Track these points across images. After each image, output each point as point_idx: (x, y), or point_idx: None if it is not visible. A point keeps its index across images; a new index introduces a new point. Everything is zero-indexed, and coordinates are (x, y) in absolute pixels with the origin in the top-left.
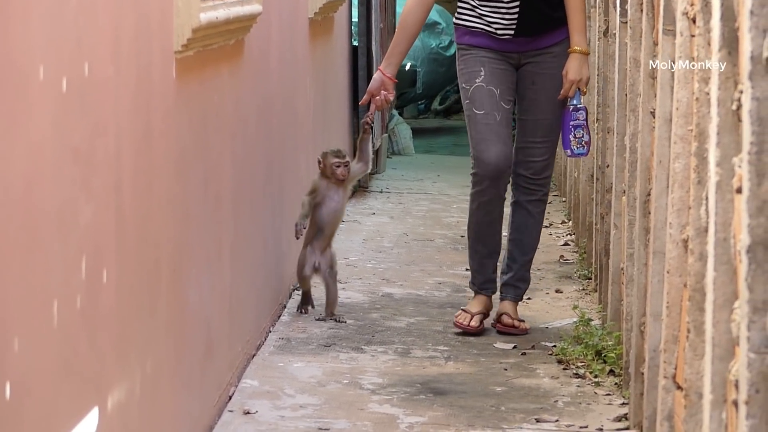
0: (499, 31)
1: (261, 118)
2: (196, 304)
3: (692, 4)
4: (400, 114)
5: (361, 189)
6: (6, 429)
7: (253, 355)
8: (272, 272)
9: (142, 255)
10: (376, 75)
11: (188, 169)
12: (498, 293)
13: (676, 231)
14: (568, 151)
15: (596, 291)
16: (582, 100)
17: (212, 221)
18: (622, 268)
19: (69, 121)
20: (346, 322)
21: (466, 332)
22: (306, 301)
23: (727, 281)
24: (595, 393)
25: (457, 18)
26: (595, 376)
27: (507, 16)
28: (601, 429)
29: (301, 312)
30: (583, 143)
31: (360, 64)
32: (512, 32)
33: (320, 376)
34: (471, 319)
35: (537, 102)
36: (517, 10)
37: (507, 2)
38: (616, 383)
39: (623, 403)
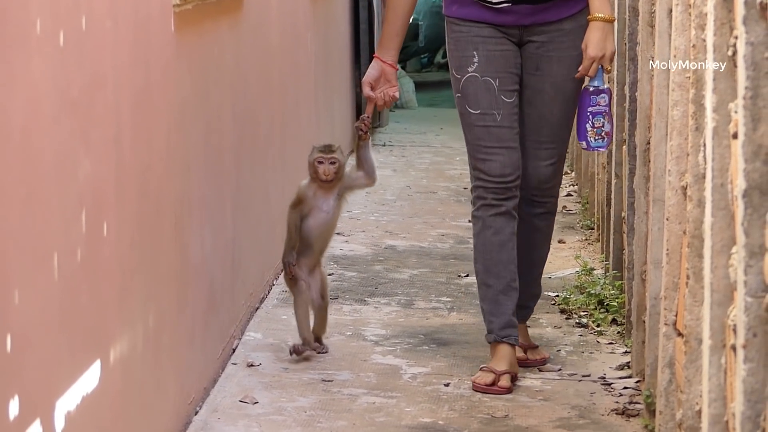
0: None
1: (262, 71)
2: (199, 257)
3: None
4: (403, 68)
5: (365, 142)
6: (7, 381)
7: (257, 308)
8: (275, 225)
9: (143, 208)
10: (373, 63)
11: (188, 121)
12: None
13: (674, 178)
14: (584, 143)
15: (598, 241)
16: (605, 81)
17: (213, 174)
18: (624, 217)
19: (67, 74)
20: (327, 352)
21: (492, 393)
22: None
23: (725, 227)
24: (598, 342)
25: None
26: (598, 326)
27: None
28: (604, 377)
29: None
30: (603, 134)
31: (361, 17)
32: None
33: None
34: (498, 379)
35: (542, 93)
36: None
37: None
38: (618, 332)
39: (625, 352)
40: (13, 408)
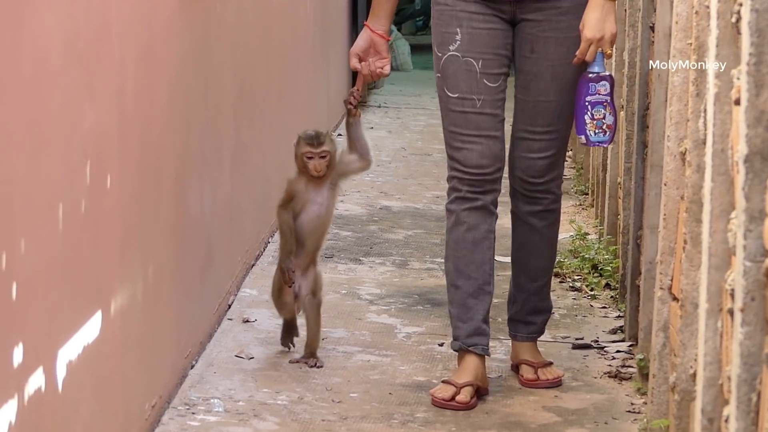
0: None
1: (262, 30)
2: (197, 212)
3: None
4: (399, 30)
5: (360, 104)
6: (11, 329)
7: (252, 265)
8: (271, 183)
9: (144, 161)
10: (362, 32)
11: (189, 77)
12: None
13: (674, 144)
14: (582, 137)
15: (593, 206)
16: (606, 66)
17: (213, 130)
18: (619, 183)
19: (74, 26)
20: (323, 366)
21: (449, 408)
22: (289, 331)
23: (724, 192)
24: (591, 306)
25: None
26: (591, 290)
27: None
28: (597, 341)
29: (285, 346)
30: (603, 127)
31: None
32: None
33: None
34: (457, 392)
35: (538, 77)
36: None
37: None
38: (611, 296)
39: (618, 316)
40: (17, 355)
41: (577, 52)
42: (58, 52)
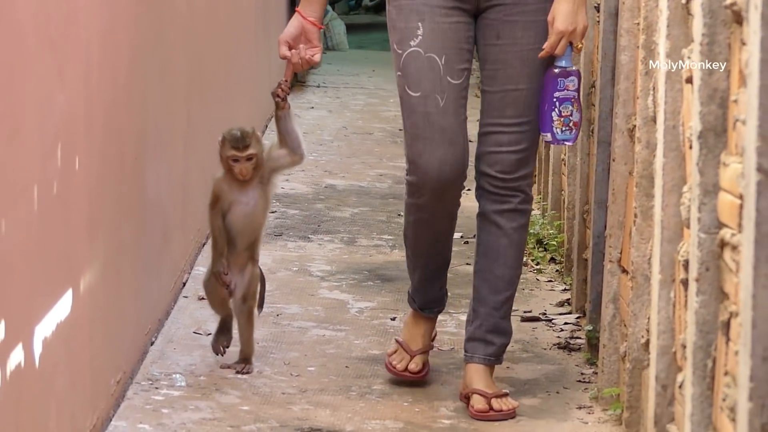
0: None
1: (210, 15)
2: (154, 191)
3: None
4: (333, 9)
5: (298, 83)
6: None
7: (204, 244)
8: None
9: (108, 143)
10: (293, 19)
11: (147, 61)
12: (462, 350)
13: (622, 121)
14: (548, 134)
15: (536, 182)
16: (573, 61)
17: (167, 112)
18: (563, 159)
19: (46, 11)
20: (250, 372)
21: (404, 379)
22: (223, 332)
23: (676, 167)
24: (537, 280)
25: None
26: (537, 264)
27: None
28: (545, 313)
29: (216, 352)
30: (570, 124)
31: None
32: None
33: (270, 264)
34: (410, 361)
35: (506, 65)
36: None
37: None
38: (557, 270)
39: (565, 289)
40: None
41: (545, 46)
42: (32, 36)
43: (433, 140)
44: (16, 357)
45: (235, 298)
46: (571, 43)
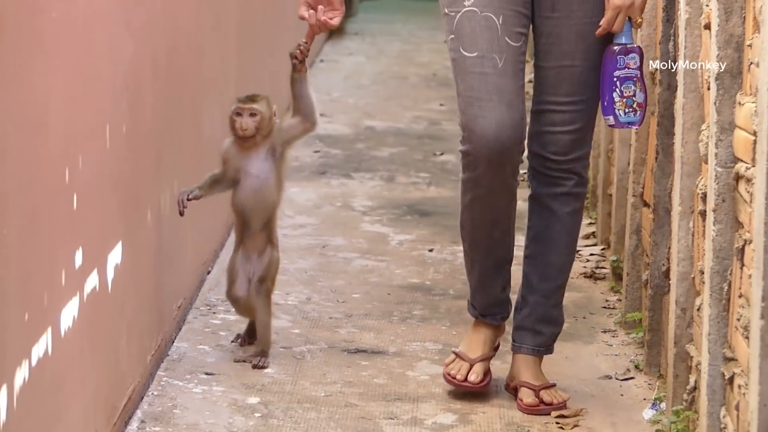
0: None
1: None
2: (209, 129)
3: None
4: None
5: (338, 31)
6: (73, 234)
7: None
8: None
9: (169, 86)
10: None
11: (202, 12)
12: (510, 339)
13: (644, 64)
14: (611, 117)
15: None
16: (635, 38)
17: (220, 59)
18: None
19: None
20: (267, 366)
21: (465, 390)
22: (249, 332)
23: (695, 107)
24: None
25: None
26: None
27: None
28: None
29: (237, 341)
30: (634, 105)
31: None
32: None
33: (315, 200)
34: (469, 371)
35: (561, 39)
36: None
37: None
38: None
39: (590, 223)
40: (78, 258)
41: (602, 22)
42: None
43: (491, 102)
44: (92, 281)
45: (252, 280)
46: (629, 18)
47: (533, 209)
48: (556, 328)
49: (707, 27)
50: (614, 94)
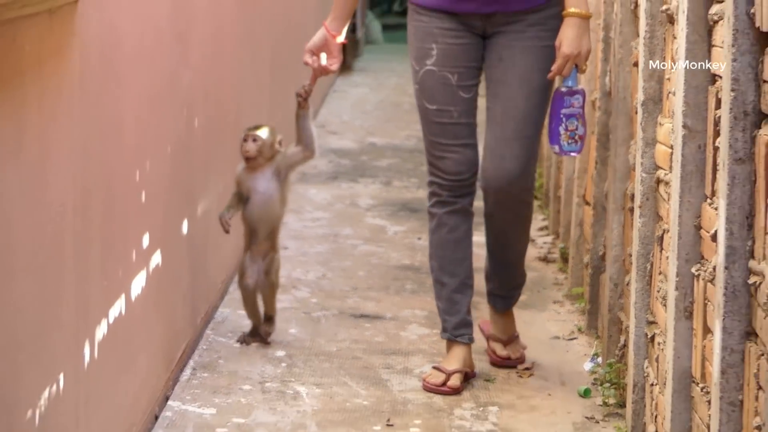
0: None
1: (286, 16)
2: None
3: None
4: (371, 11)
5: (347, 69)
6: (141, 222)
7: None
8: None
9: (216, 108)
10: (319, 31)
11: (242, 50)
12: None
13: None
14: (556, 146)
15: None
16: (579, 81)
17: (256, 88)
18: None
19: (177, 13)
20: (272, 332)
21: (441, 393)
22: (253, 333)
23: (625, 126)
24: None
25: None
26: None
27: None
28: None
29: (240, 341)
30: (576, 137)
31: None
32: None
33: (329, 199)
34: (447, 379)
35: (506, 85)
36: None
37: None
38: (538, 205)
39: (544, 218)
40: (145, 241)
41: (553, 68)
42: (167, 31)
43: (448, 145)
44: (156, 259)
45: (260, 274)
46: (576, 65)
47: (489, 223)
48: (521, 287)
49: (635, 65)
50: (560, 128)
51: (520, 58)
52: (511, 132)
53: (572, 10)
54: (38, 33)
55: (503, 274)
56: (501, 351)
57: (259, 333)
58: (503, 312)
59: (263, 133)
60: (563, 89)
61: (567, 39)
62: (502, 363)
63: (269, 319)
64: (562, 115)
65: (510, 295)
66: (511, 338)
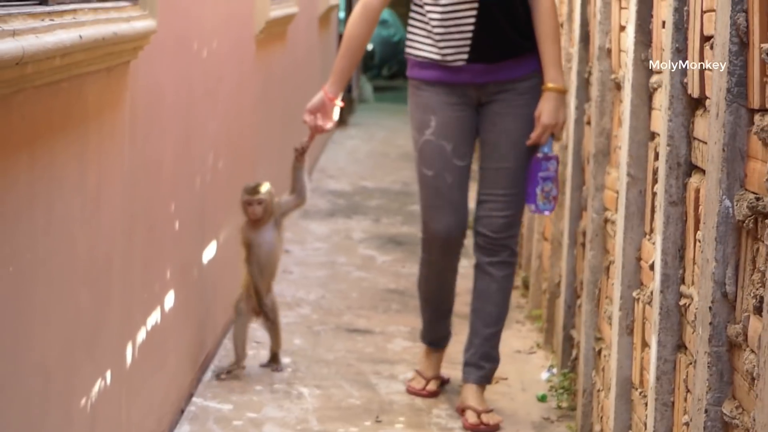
0: (449, 57)
1: (297, 73)
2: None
3: (560, 15)
4: (365, 74)
5: (342, 124)
6: (177, 245)
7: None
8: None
9: (236, 152)
10: (318, 94)
11: (258, 105)
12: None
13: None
14: (533, 206)
15: None
16: (554, 149)
17: (268, 136)
18: None
19: (206, 73)
20: (282, 370)
21: (421, 396)
22: (230, 367)
23: (578, 175)
24: None
25: (408, 45)
26: None
27: (458, 36)
28: None
29: (219, 373)
30: (550, 198)
31: None
32: (465, 57)
33: (327, 232)
34: (427, 384)
35: (498, 147)
36: (472, 28)
37: (463, 16)
38: None
39: None
40: (177, 262)
41: (531, 135)
42: (199, 87)
43: (442, 209)
44: (186, 278)
45: (265, 311)
46: (552, 134)
47: (477, 275)
48: (495, 364)
49: (588, 123)
50: (537, 189)
51: (510, 125)
52: (503, 188)
53: (551, 85)
54: (99, 87)
55: (481, 334)
56: (473, 418)
57: (237, 368)
58: (476, 384)
59: (265, 194)
60: (540, 155)
61: (546, 111)
62: (474, 428)
63: (275, 356)
64: (539, 178)
65: (483, 365)
66: (486, 409)
